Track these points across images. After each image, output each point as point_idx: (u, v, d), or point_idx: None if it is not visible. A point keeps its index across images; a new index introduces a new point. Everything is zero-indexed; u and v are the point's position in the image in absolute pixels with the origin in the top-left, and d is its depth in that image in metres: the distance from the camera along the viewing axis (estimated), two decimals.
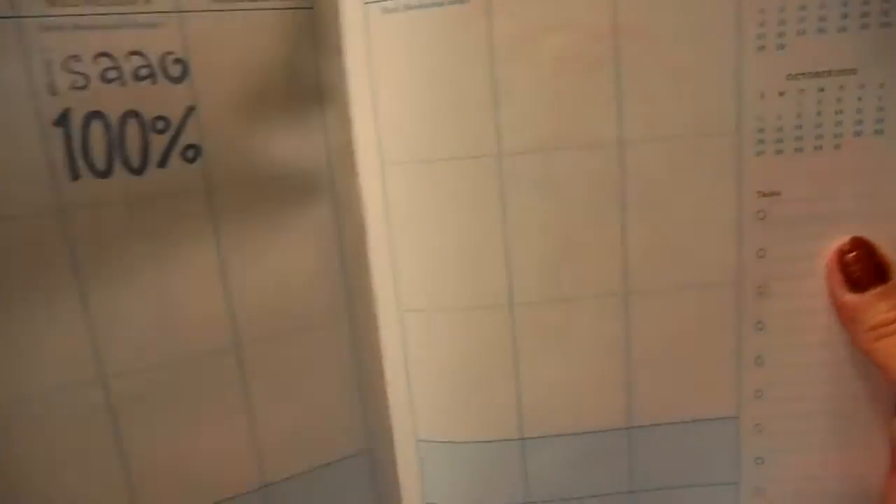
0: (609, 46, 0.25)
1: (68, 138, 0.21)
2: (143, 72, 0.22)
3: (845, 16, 0.24)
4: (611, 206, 0.27)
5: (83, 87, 0.21)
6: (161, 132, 0.22)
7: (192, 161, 0.23)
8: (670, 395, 0.28)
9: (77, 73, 0.21)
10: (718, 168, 0.26)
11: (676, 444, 0.29)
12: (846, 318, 0.26)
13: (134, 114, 0.22)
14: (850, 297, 0.25)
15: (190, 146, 0.23)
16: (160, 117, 0.22)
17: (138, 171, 0.22)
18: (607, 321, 0.28)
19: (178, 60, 0.22)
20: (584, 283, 0.27)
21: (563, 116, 0.26)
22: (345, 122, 0.26)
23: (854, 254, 0.25)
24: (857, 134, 0.25)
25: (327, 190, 0.26)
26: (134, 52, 0.21)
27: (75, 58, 0.21)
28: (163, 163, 0.22)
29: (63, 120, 0.21)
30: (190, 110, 0.22)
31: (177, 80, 0.22)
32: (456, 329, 0.28)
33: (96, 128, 0.21)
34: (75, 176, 0.21)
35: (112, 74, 0.21)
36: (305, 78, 0.24)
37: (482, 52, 0.25)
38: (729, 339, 0.28)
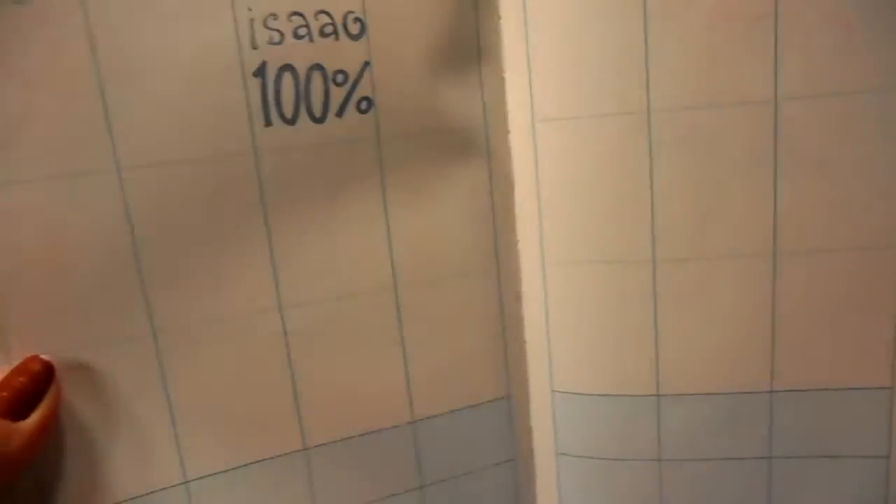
0: (769, 0, 0.25)
1: (264, 88, 0.24)
2: (328, 29, 0.24)
3: None
4: (762, 164, 0.26)
5: (278, 43, 0.24)
6: (340, 84, 0.25)
7: (365, 112, 0.25)
8: (818, 360, 0.28)
9: (274, 29, 0.24)
10: (886, 125, 0.25)
11: (821, 412, 0.28)
12: None
13: (319, 67, 0.24)
14: None
15: (364, 98, 0.25)
16: (340, 71, 0.25)
17: (320, 120, 0.25)
18: (753, 281, 0.27)
19: (357, 19, 0.24)
20: (730, 241, 0.27)
21: (716, 73, 0.26)
22: (499, 81, 0.27)
23: None
24: None
25: (482, 145, 0.27)
26: (321, 11, 0.24)
27: (273, 16, 0.24)
28: (340, 113, 0.25)
29: (261, 71, 0.24)
30: (365, 65, 0.25)
31: (355, 38, 0.24)
32: (597, 283, 0.28)
33: (287, 79, 0.24)
34: (268, 122, 0.24)
35: (302, 31, 0.24)
36: (466, 39, 0.26)
37: (636, 9, 0.26)
38: (888, 306, 0.27)
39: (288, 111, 0.24)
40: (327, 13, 0.24)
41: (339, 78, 0.25)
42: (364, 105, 0.25)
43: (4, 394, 0.21)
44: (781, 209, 0.27)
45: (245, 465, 0.26)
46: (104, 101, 0.22)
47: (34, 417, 0.22)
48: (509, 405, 0.30)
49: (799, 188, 0.26)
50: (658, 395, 0.29)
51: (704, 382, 0.29)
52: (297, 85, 0.24)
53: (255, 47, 0.24)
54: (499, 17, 0.26)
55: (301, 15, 0.24)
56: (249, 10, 0.23)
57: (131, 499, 0.25)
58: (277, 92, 0.24)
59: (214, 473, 0.26)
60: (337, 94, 0.25)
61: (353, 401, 0.27)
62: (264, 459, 0.26)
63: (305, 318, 0.26)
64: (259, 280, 0.25)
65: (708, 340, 0.28)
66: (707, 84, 0.26)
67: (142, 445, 0.25)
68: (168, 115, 0.23)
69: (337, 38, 0.24)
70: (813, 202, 0.26)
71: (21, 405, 0.22)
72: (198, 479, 0.26)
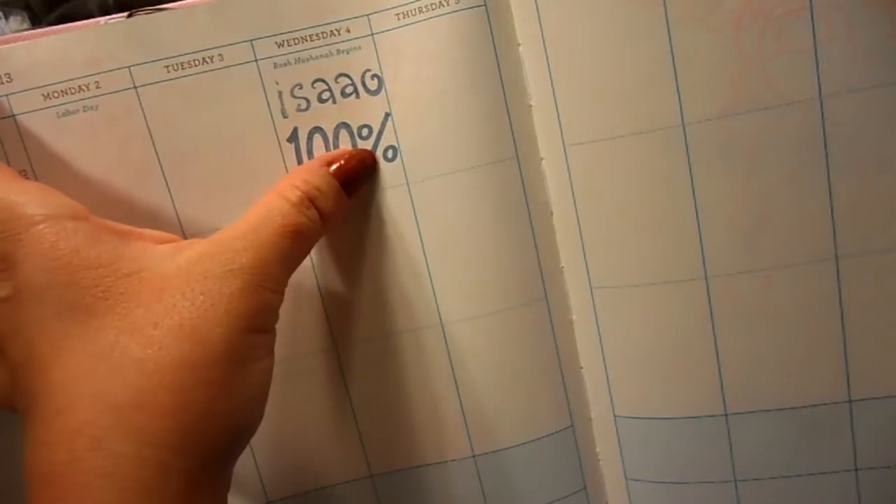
0: None
1: (298, 151, 0.26)
2: (349, 89, 0.26)
3: None
4: (812, 165, 0.25)
5: (305, 109, 0.26)
6: (365, 138, 0.26)
7: (392, 160, 0.26)
8: None
9: (300, 97, 0.26)
10: None
11: None
12: None
13: (344, 125, 0.26)
14: None
15: (389, 147, 0.26)
16: (364, 125, 0.26)
17: None
18: (816, 288, 0.26)
19: (374, 76, 0.26)
20: (786, 250, 0.26)
21: (751, 76, 0.25)
22: (525, 109, 0.27)
23: None
24: None
25: (516, 176, 0.27)
26: (341, 74, 0.26)
27: (298, 86, 0.26)
28: None
29: (293, 137, 0.26)
30: (387, 116, 0.26)
31: (374, 93, 0.26)
32: (648, 304, 0.28)
33: (317, 140, 0.26)
34: None
35: (325, 95, 0.26)
36: (486, 72, 0.26)
37: (657, 19, 0.25)
38: None
39: None
40: (346, 75, 0.26)
41: (364, 132, 0.26)
42: (390, 154, 0.26)
43: (342, 163, 0.25)
44: (839, 211, 0.25)
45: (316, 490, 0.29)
46: (167, 183, 0.26)
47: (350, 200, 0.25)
48: (573, 434, 0.30)
49: (855, 187, 0.24)
50: (726, 415, 0.28)
51: (775, 397, 0.27)
52: (326, 144, 0.26)
53: (285, 116, 0.26)
54: (518, 45, 0.27)
55: (323, 80, 0.26)
56: (277, 83, 0.26)
57: None
58: (310, 153, 0.26)
59: (294, 495, 0.29)
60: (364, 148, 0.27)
61: (412, 430, 0.29)
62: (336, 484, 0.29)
63: (357, 355, 0.28)
64: (315, 322, 0.28)
65: (774, 353, 0.27)
66: (743, 89, 0.25)
67: None
68: (220, 187, 0.26)
69: (358, 97, 0.26)
70: (872, 200, 0.24)
71: (349, 182, 0.25)
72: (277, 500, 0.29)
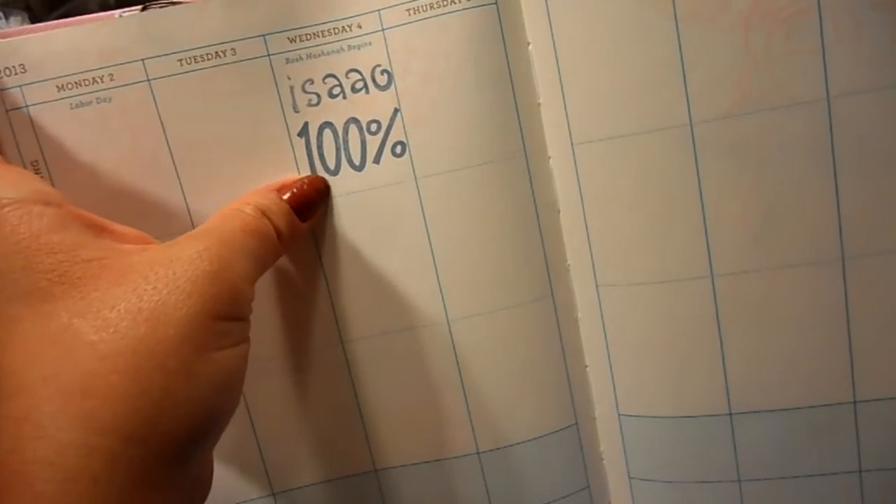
0: None
1: (308, 146, 0.26)
2: (359, 85, 0.26)
3: None
4: (819, 166, 0.25)
5: (316, 104, 0.26)
6: (374, 133, 0.26)
7: (400, 156, 0.27)
8: None
9: (311, 93, 0.26)
10: None
11: None
12: None
13: (354, 120, 0.26)
14: None
15: (398, 142, 0.27)
16: (373, 121, 0.26)
17: (359, 168, 0.27)
18: (822, 288, 0.26)
19: (384, 71, 0.26)
20: (793, 250, 0.26)
21: (759, 77, 0.25)
22: (534, 107, 0.27)
23: None
24: None
25: (524, 174, 0.28)
26: (351, 70, 0.26)
27: (310, 81, 0.26)
28: (377, 159, 0.26)
29: (304, 132, 0.26)
30: (396, 111, 0.26)
31: (384, 88, 0.26)
32: (653, 303, 0.28)
33: (327, 135, 0.26)
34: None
35: (336, 90, 0.26)
36: (495, 69, 0.26)
37: (665, 19, 0.25)
38: None
39: (330, 163, 0.27)
40: (357, 70, 0.26)
41: (373, 127, 0.26)
42: (398, 149, 0.27)
43: (295, 191, 0.25)
44: (846, 211, 0.25)
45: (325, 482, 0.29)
46: (178, 176, 0.26)
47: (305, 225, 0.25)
48: (577, 432, 0.30)
49: (862, 188, 0.24)
50: (730, 414, 0.28)
51: (780, 397, 0.27)
52: (336, 139, 0.26)
53: (296, 111, 0.26)
54: (527, 43, 0.27)
55: (334, 76, 0.26)
56: (289, 78, 0.26)
57: None
58: (320, 147, 0.26)
59: (300, 487, 0.29)
60: (372, 143, 0.26)
61: (416, 428, 0.29)
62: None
63: (363, 351, 0.28)
64: (322, 317, 0.28)
65: (779, 353, 0.27)
66: (751, 89, 0.25)
67: None
68: (230, 180, 0.26)
69: (367, 92, 0.26)
70: (879, 201, 0.24)
71: (302, 208, 0.25)
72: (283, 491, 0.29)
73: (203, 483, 0.21)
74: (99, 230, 0.20)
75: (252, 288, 0.21)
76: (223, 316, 0.20)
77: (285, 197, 0.25)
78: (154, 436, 0.17)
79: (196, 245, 0.20)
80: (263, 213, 0.23)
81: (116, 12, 0.26)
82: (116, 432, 0.17)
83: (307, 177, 0.26)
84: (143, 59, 0.25)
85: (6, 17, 0.38)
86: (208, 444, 0.20)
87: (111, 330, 0.18)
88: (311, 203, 0.26)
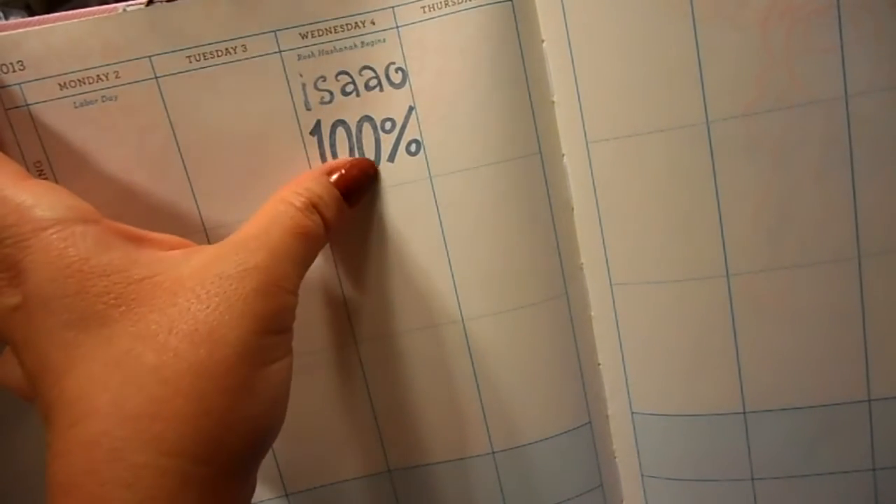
0: None
1: (321, 144, 0.26)
2: (373, 82, 0.26)
3: None
4: (836, 164, 0.25)
5: (329, 102, 0.26)
6: (388, 132, 0.26)
7: (414, 154, 0.26)
8: None
9: (324, 90, 0.25)
10: None
11: None
12: None
13: (368, 118, 0.26)
14: None
15: (413, 141, 0.26)
16: (388, 119, 0.26)
17: None
18: (838, 287, 0.26)
19: (398, 69, 0.25)
20: (809, 249, 0.26)
21: (776, 75, 0.25)
22: (548, 105, 0.27)
23: None
24: None
25: (538, 172, 0.27)
26: (365, 67, 0.25)
27: (322, 78, 0.25)
28: (392, 158, 0.26)
29: (316, 130, 0.26)
30: (410, 109, 0.26)
31: (398, 86, 0.26)
32: (668, 301, 0.28)
33: (340, 133, 0.26)
34: None
35: (349, 88, 0.25)
36: (511, 67, 0.26)
37: (683, 17, 0.25)
38: None
39: None
40: (370, 68, 0.25)
41: (388, 125, 0.26)
42: (413, 148, 0.26)
43: (343, 172, 0.25)
44: (862, 210, 0.25)
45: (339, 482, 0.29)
46: (188, 176, 0.26)
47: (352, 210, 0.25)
48: (591, 431, 0.30)
49: (879, 186, 0.24)
50: (744, 413, 0.28)
51: (794, 395, 0.27)
52: (349, 137, 0.26)
53: (308, 109, 0.26)
54: (542, 40, 0.27)
55: (347, 73, 0.25)
56: (301, 75, 0.25)
57: None
58: (333, 146, 0.26)
59: (313, 488, 0.29)
60: (387, 141, 0.26)
61: (430, 429, 0.29)
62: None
63: (376, 351, 0.28)
64: (336, 317, 0.28)
65: (794, 352, 0.27)
66: (768, 87, 0.25)
67: None
68: (241, 180, 0.26)
69: (381, 90, 0.26)
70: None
71: (350, 192, 0.25)
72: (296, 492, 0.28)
73: (254, 489, 0.21)
74: (139, 241, 0.20)
75: (297, 296, 0.22)
76: (272, 330, 0.20)
77: (333, 178, 0.25)
78: (220, 454, 0.18)
79: (246, 259, 0.20)
80: (315, 205, 0.23)
81: (120, 6, 0.25)
82: (186, 453, 0.18)
83: (356, 159, 0.26)
84: (150, 56, 0.24)
85: (6, 17, 0.37)
86: (262, 457, 0.21)
87: (171, 354, 0.18)
88: (361, 187, 0.25)
